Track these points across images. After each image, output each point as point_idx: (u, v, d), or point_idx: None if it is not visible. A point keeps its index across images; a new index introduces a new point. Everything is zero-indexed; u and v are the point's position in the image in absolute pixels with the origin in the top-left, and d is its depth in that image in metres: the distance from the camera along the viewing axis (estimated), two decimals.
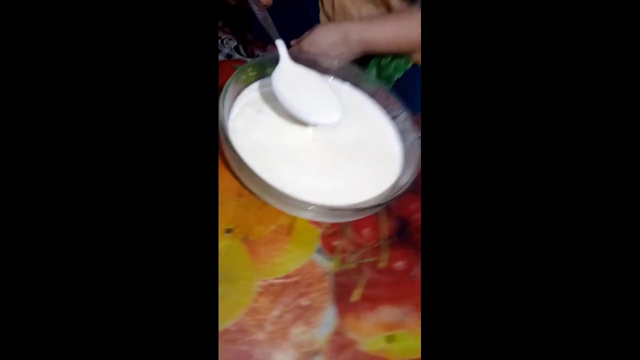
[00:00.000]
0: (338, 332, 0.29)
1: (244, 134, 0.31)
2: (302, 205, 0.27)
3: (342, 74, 0.38)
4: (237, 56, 0.43)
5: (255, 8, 0.34)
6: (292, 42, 0.48)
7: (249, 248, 0.30)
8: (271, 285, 0.29)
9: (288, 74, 0.32)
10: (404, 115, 0.36)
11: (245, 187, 0.32)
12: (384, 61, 0.49)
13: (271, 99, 0.34)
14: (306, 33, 0.46)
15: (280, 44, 0.33)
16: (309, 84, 0.32)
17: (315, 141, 0.33)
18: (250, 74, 0.34)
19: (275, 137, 0.32)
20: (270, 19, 0.34)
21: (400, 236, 0.34)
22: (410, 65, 0.47)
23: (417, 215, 0.36)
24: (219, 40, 0.44)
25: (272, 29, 0.33)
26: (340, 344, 0.29)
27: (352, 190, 0.31)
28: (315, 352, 0.28)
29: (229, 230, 0.31)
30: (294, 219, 0.32)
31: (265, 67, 0.35)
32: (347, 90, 0.37)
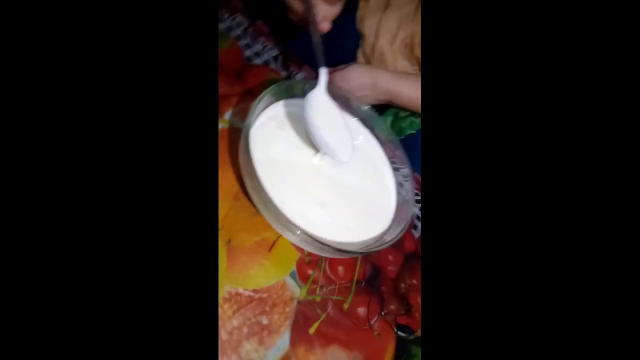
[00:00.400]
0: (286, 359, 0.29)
1: (261, 144, 0.32)
2: (292, 227, 0.28)
3: (363, 117, 0.39)
4: (273, 66, 0.44)
5: (313, 31, 0.35)
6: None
7: (229, 252, 0.31)
8: (238, 294, 0.30)
9: (321, 102, 0.33)
10: (405, 171, 0.38)
11: (245, 193, 0.32)
12: (401, 113, 0.52)
13: (294, 120, 0.35)
14: (341, 66, 0.48)
15: (323, 73, 0.34)
16: (334, 119, 0.33)
17: (321, 173, 0.34)
18: (284, 90, 0.35)
19: (287, 156, 0.33)
20: (322, 46, 0.35)
21: (370, 283, 0.36)
22: None
23: (391, 268, 0.38)
24: (262, 46, 0.45)
25: (321, 56, 0.35)
26: None
27: (339, 229, 0.32)
28: None
29: None
30: (278, 237, 0.33)
31: (297, 88, 0.36)
32: (364, 134, 0.39)
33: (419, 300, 0.38)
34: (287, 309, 0.31)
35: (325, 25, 0.38)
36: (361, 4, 0.51)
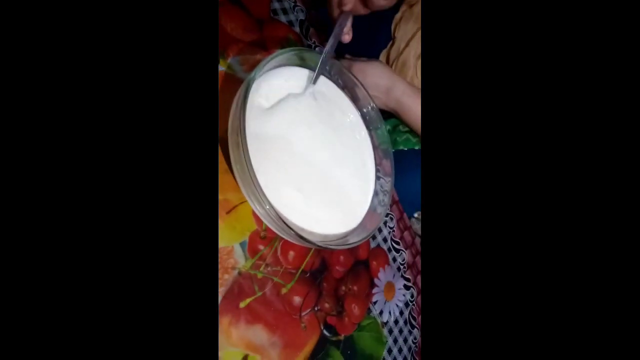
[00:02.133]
0: None
1: (258, 104, 0.29)
2: (262, 199, 0.27)
3: (366, 115, 0.38)
4: (297, 29, 0.41)
5: (332, 37, 0.34)
6: (347, 56, 0.48)
7: None
8: None
9: (300, 106, 0.32)
10: (385, 183, 0.37)
11: (223, 147, 0.30)
12: (401, 127, 0.52)
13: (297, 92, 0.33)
14: (363, 59, 0.46)
15: (320, 67, 0.32)
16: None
17: (309, 155, 0.33)
18: (300, 58, 0.33)
19: (280, 126, 0.31)
20: (334, 46, 0.34)
21: (314, 276, 0.35)
22: (418, 147, 0.50)
23: (339, 268, 0.38)
24: (292, 4, 0.42)
25: (330, 50, 0.33)
26: None
27: (306, 216, 0.31)
28: None
29: None
30: (241, 202, 0.31)
31: (313, 61, 0.34)
32: (363, 132, 0.38)
33: (353, 306, 0.38)
34: (226, 276, 0.30)
35: (348, 38, 0.36)
36: (403, 8, 0.50)
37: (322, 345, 0.35)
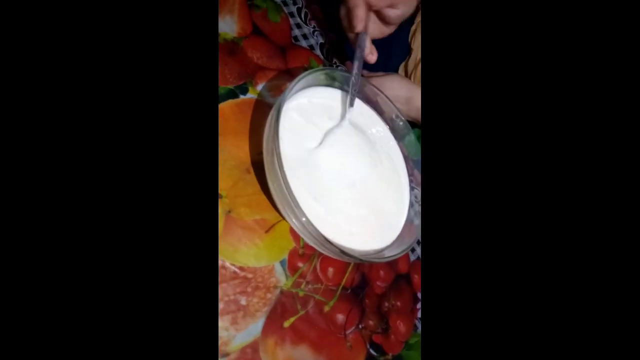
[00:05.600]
0: (253, 347, 0.28)
1: (290, 124, 0.30)
2: (298, 213, 0.27)
3: (393, 127, 0.39)
4: (317, 52, 0.43)
5: (356, 62, 0.34)
6: (364, 73, 0.49)
7: (226, 222, 0.30)
8: (224, 267, 0.28)
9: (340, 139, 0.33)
10: (419, 193, 0.37)
11: (258, 168, 0.31)
12: None
13: (325, 112, 0.34)
14: (380, 73, 0.47)
15: (349, 111, 0.33)
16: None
17: (343, 172, 0.33)
18: (325, 77, 0.34)
19: (313, 145, 0.32)
20: (358, 83, 0.33)
21: (355, 292, 0.35)
22: None
23: (380, 283, 0.37)
24: (311, 30, 0.44)
25: (354, 93, 0.33)
26: (249, 358, 0.28)
27: (343, 231, 0.31)
28: (224, 354, 0.27)
29: (219, 196, 0.30)
30: (279, 221, 0.32)
31: (339, 80, 0.35)
32: (393, 144, 0.38)
33: (398, 323, 0.36)
34: (269, 295, 0.30)
35: (373, 58, 0.36)
36: (417, 19, 0.51)
37: None
